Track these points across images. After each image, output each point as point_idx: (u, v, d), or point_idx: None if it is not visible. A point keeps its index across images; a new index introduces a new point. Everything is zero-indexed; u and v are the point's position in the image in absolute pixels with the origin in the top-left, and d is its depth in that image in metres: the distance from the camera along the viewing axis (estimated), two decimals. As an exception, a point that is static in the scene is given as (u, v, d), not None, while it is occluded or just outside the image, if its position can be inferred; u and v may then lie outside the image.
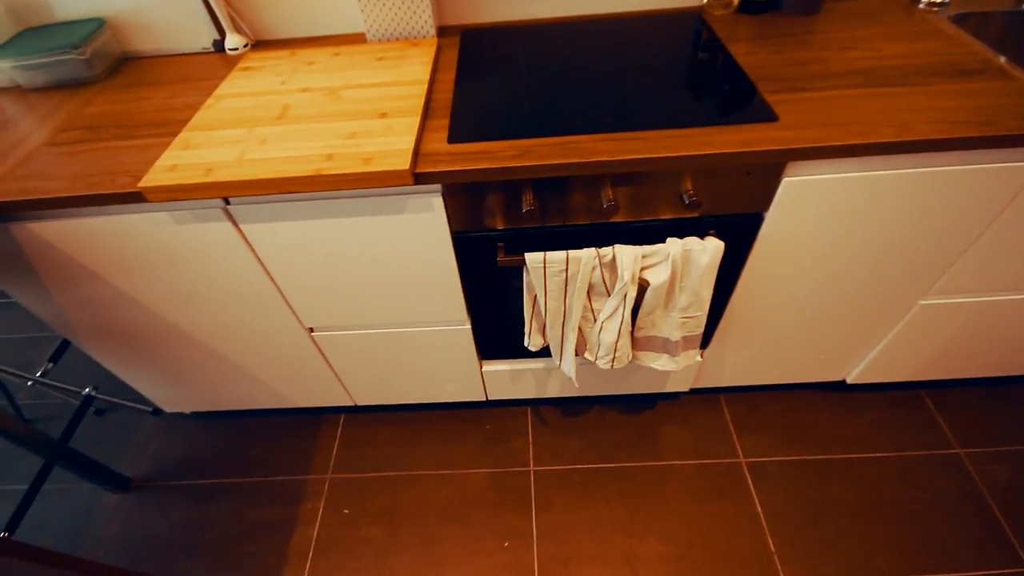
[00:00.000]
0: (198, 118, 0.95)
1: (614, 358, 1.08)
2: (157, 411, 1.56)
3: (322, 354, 1.24)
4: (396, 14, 1.10)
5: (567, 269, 0.94)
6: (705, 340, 1.21)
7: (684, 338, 1.06)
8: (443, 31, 1.17)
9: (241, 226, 0.92)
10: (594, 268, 0.94)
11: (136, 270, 1.00)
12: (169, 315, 1.11)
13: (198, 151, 0.86)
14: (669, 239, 0.91)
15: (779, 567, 1.17)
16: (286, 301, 1.08)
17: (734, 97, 0.90)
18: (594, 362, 1.12)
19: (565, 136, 0.84)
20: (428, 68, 1.01)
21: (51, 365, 1.54)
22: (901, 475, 1.29)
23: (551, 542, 1.24)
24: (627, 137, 0.82)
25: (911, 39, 1.00)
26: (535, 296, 1.01)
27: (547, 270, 0.94)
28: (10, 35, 1.14)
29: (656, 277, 0.94)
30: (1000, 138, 0.77)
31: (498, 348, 1.25)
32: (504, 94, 0.96)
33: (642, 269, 0.93)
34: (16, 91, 1.15)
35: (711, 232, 0.92)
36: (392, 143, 0.83)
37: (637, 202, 0.90)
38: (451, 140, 0.86)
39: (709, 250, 0.90)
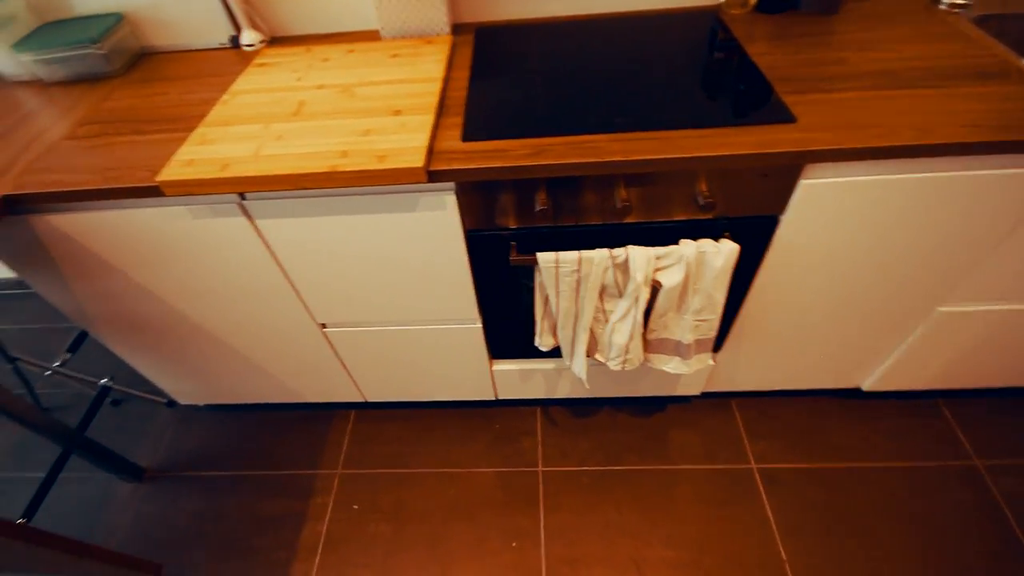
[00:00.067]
0: (215, 113, 0.95)
1: (625, 360, 1.08)
2: (171, 403, 1.58)
3: (334, 350, 1.25)
4: (411, 12, 1.10)
5: (579, 269, 0.93)
6: (718, 343, 1.20)
7: (696, 341, 1.05)
8: (457, 29, 1.17)
9: (256, 221, 0.93)
10: (607, 269, 0.93)
11: (152, 263, 1.01)
12: (184, 308, 1.12)
13: (215, 146, 0.87)
14: (683, 241, 0.91)
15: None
16: (299, 296, 1.09)
17: (751, 98, 0.88)
18: (605, 363, 1.12)
19: (580, 135, 0.83)
20: (442, 66, 1.01)
21: (69, 355, 1.57)
22: (916, 485, 1.27)
23: (559, 543, 1.24)
24: (642, 137, 0.82)
25: (932, 40, 0.98)
26: (547, 296, 1.01)
27: (559, 270, 0.94)
28: (31, 29, 1.16)
29: (669, 279, 0.93)
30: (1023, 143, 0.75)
31: (508, 347, 1.25)
32: (518, 92, 0.96)
33: (655, 271, 0.93)
34: (37, 84, 1.17)
35: (726, 234, 0.90)
36: (406, 140, 0.83)
37: (651, 203, 0.89)
38: (465, 138, 0.86)
39: (723, 252, 0.89)
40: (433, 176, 0.81)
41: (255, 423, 1.54)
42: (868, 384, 1.34)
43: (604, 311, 1.02)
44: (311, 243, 0.97)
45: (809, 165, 0.82)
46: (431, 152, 0.83)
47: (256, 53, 1.15)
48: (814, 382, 1.35)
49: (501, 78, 1.00)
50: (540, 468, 1.37)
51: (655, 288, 0.95)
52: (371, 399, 1.45)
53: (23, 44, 1.11)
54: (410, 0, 1.08)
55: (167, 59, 1.19)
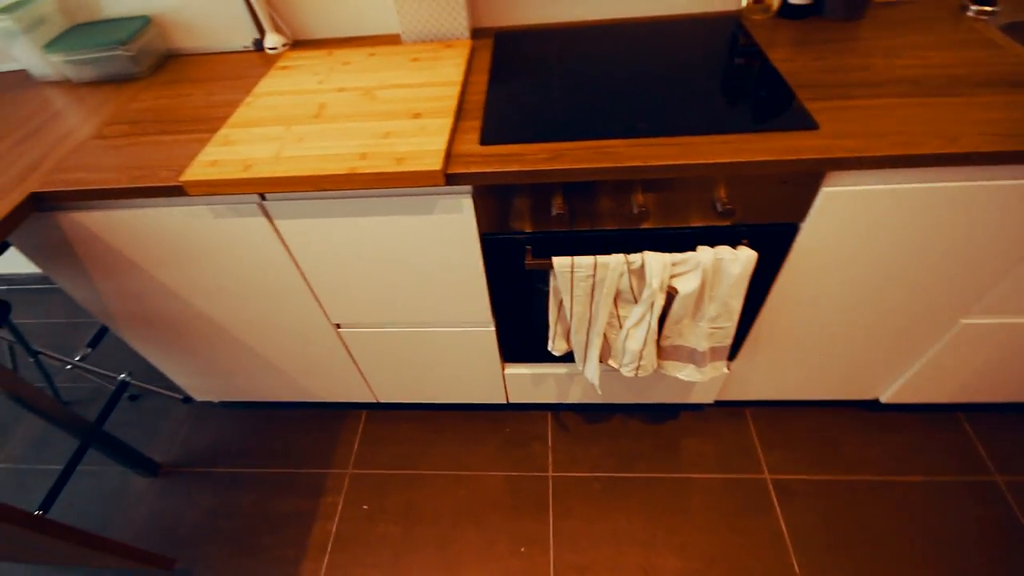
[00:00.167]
0: (238, 115, 0.97)
1: (639, 366, 1.07)
2: (187, 399, 1.61)
3: (347, 350, 1.26)
4: (431, 16, 1.11)
5: (595, 275, 0.93)
6: (733, 351, 1.18)
7: (712, 349, 1.04)
8: (477, 33, 1.18)
9: (275, 221, 0.94)
10: (622, 275, 0.93)
11: (173, 261, 1.03)
12: (202, 306, 1.14)
13: (237, 147, 0.88)
14: (700, 247, 0.90)
15: (803, 588, 1.14)
16: (315, 296, 1.10)
17: (772, 104, 0.88)
18: (618, 369, 1.11)
19: (598, 140, 0.83)
20: (462, 70, 1.02)
21: (89, 350, 1.60)
22: (934, 500, 1.24)
23: (568, 550, 1.23)
24: (661, 143, 0.81)
25: (959, 48, 0.96)
26: (561, 301, 1.00)
27: (574, 275, 0.94)
28: (61, 31, 1.19)
29: (685, 286, 0.92)
30: (1054, 153, 0.74)
31: (521, 351, 1.25)
32: (537, 97, 0.96)
33: (671, 277, 0.92)
34: (66, 84, 1.20)
35: (744, 241, 0.90)
36: (425, 143, 0.84)
37: (668, 209, 0.89)
38: (483, 142, 0.86)
39: (741, 260, 0.88)
40: (451, 179, 0.82)
41: (268, 421, 1.55)
42: (886, 396, 1.31)
43: (618, 316, 1.02)
44: (328, 244, 0.98)
45: (831, 173, 0.81)
46: (449, 155, 0.84)
47: (279, 56, 1.17)
48: (831, 393, 1.33)
49: (520, 82, 1.01)
50: (550, 473, 1.37)
51: (671, 294, 0.95)
52: (383, 400, 1.46)
53: (53, 45, 1.14)
54: (431, 5, 1.09)
55: (192, 61, 1.22)
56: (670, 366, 1.11)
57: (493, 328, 1.16)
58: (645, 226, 0.92)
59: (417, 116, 0.90)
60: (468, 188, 0.87)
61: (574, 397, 1.38)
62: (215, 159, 0.86)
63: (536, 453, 1.41)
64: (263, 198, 0.90)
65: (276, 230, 0.95)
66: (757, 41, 1.04)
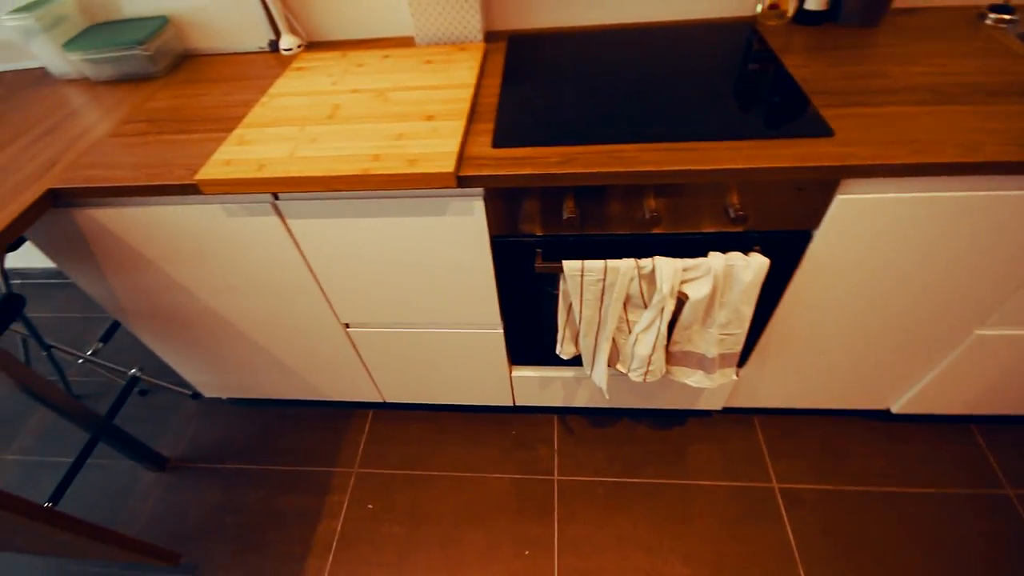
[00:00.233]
0: (253, 115, 0.98)
1: (647, 371, 1.07)
2: (196, 395, 1.62)
3: (355, 349, 1.26)
4: (445, 19, 1.11)
5: (604, 279, 0.93)
6: (742, 358, 1.18)
7: (721, 355, 1.04)
8: (490, 36, 1.18)
9: (288, 221, 0.94)
10: (632, 279, 0.92)
11: (186, 258, 1.04)
12: (213, 303, 1.15)
13: (252, 147, 0.89)
14: (711, 253, 0.89)
15: (810, 599, 1.13)
16: (325, 295, 1.11)
17: (787, 110, 0.87)
18: (626, 374, 1.11)
19: (610, 144, 0.83)
20: (475, 72, 1.02)
21: (101, 345, 1.62)
22: (944, 513, 1.22)
23: (572, 554, 1.23)
24: (674, 148, 0.81)
25: (977, 56, 0.95)
26: (570, 304, 1.00)
27: (584, 279, 0.93)
28: (80, 30, 1.21)
29: (696, 292, 0.92)
30: (1075, 163, 0.73)
31: (529, 354, 1.25)
32: (550, 100, 0.96)
33: (682, 283, 0.92)
34: (84, 83, 1.22)
35: (756, 248, 0.89)
36: (438, 145, 0.84)
37: (680, 214, 0.89)
38: (495, 144, 0.86)
39: (753, 267, 0.87)
40: (463, 181, 0.82)
41: (275, 418, 1.56)
42: (897, 406, 1.30)
43: (628, 321, 1.02)
44: (340, 244, 0.98)
45: (846, 180, 0.80)
46: (461, 157, 0.84)
47: (294, 57, 1.18)
48: (841, 402, 1.32)
49: (532, 86, 1.01)
50: (555, 477, 1.36)
51: (681, 300, 0.94)
52: (390, 400, 1.46)
53: (73, 44, 1.16)
54: (445, 7, 1.09)
55: (209, 61, 1.23)
56: (679, 372, 1.11)
57: (501, 330, 1.16)
58: (656, 231, 0.91)
59: (430, 118, 0.91)
60: (480, 190, 0.87)
61: (581, 401, 1.37)
62: (230, 158, 0.87)
63: (542, 456, 1.41)
64: (276, 198, 0.91)
65: (288, 229, 0.96)
66: (772, 47, 1.03)
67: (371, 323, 1.18)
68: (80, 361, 1.61)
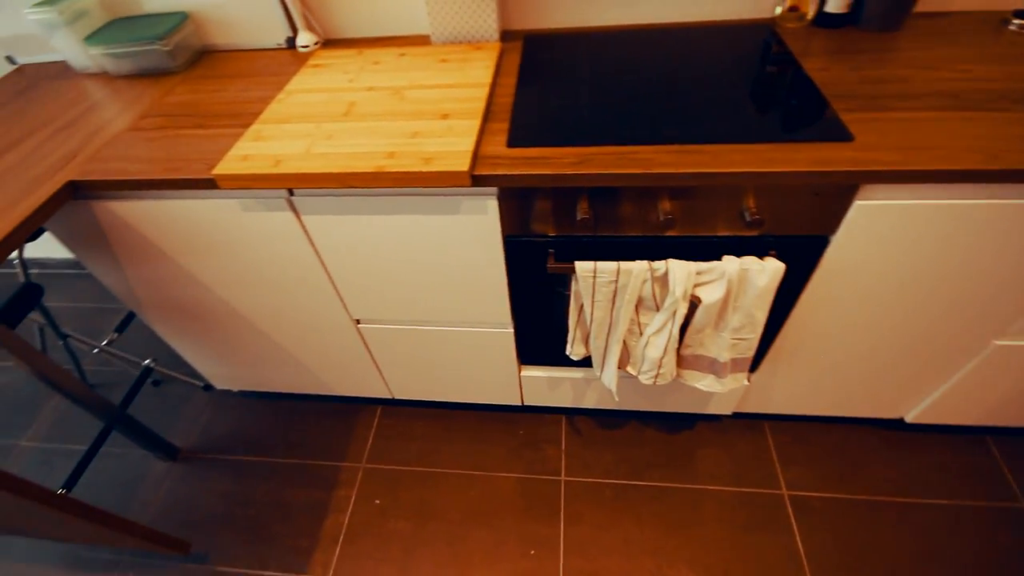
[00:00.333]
0: (269, 111, 0.98)
1: (658, 374, 1.06)
2: (208, 387, 1.64)
3: (366, 345, 1.27)
4: (461, 17, 1.11)
5: (617, 280, 0.92)
6: (754, 363, 1.17)
7: (733, 360, 1.03)
8: (506, 35, 1.18)
9: (302, 217, 0.95)
10: (645, 281, 0.92)
11: (201, 252, 1.05)
12: (227, 296, 1.16)
13: (268, 143, 0.90)
14: (726, 257, 0.89)
15: (817, 608, 1.12)
16: (337, 291, 1.11)
17: (806, 113, 0.86)
18: (636, 376, 1.10)
19: (626, 146, 0.82)
20: (490, 72, 1.02)
21: (116, 335, 1.64)
22: (957, 525, 1.21)
23: (577, 555, 1.23)
24: (690, 150, 0.80)
25: (1001, 61, 0.93)
26: (582, 305, 1.00)
27: (596, 280, 0.93)
28: (101, 24, 1.22)
29: (709, 295, 0.91)
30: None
31: (538, 354, 1.25)
32: (565, 101, 0.96)
33: (695, 286, 0.91)
34: (104, 77, 1.23)
35: (771, 252, 0.88)
36: (452, 144, 0.84)
37: (695, 217, 0.88)
38: (510, 144, 0.86)
39: (768, 271, 0.86)
40: (477, 180, 0.82)
41: (285, 412, 1.57)
42: (912, 416, 1.28)
43: (639, 323, 1.01)
44: (353, 240, 0.98)
45: (865, 186, 0.79)
46: (476, 157, 0.84)
47: (311, 54, 1.19)
48: (854, 410, 1.30)
49: (548, 86, 1.00)
50: (563, 477, 1.36)
51: (694, 303, 0.94)
52: (398, 396, 1.47)
53: (94, 38, 1.17)
54: (461, 6, 1.09)
55: (227, 57, 1.24)
56: (690, 375, 1.10)
57: (512, 330, 1.16)
58: (670, 233, 0.91)
59: (445, 117, 0.91)
60: (493, 190, 0.87)
61: (589, 402, 1.37)
62: (246, 154, 0.88)
63: (549, 456, 1.41)
64: (291, 193, 0.92)
65: (303, 225, 0.97)
66: (791, 49, 1.02)
67: (382, 320, 1.19)
68: (95, 351, 1.63)
